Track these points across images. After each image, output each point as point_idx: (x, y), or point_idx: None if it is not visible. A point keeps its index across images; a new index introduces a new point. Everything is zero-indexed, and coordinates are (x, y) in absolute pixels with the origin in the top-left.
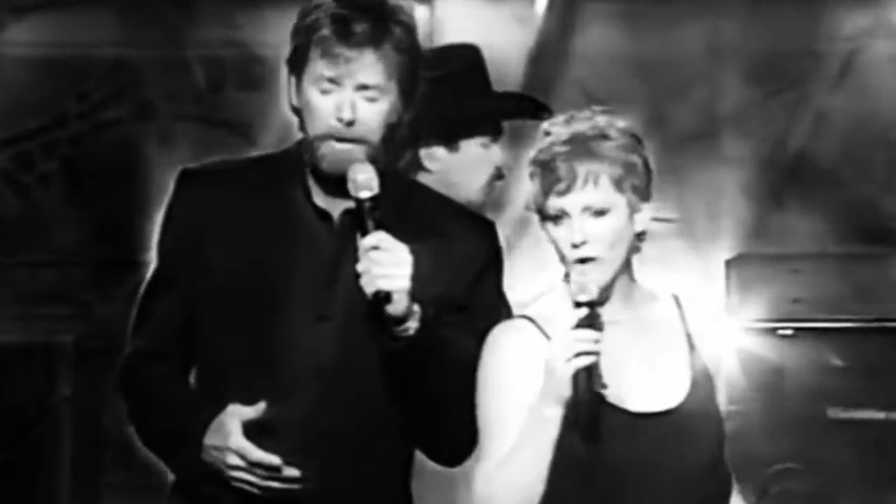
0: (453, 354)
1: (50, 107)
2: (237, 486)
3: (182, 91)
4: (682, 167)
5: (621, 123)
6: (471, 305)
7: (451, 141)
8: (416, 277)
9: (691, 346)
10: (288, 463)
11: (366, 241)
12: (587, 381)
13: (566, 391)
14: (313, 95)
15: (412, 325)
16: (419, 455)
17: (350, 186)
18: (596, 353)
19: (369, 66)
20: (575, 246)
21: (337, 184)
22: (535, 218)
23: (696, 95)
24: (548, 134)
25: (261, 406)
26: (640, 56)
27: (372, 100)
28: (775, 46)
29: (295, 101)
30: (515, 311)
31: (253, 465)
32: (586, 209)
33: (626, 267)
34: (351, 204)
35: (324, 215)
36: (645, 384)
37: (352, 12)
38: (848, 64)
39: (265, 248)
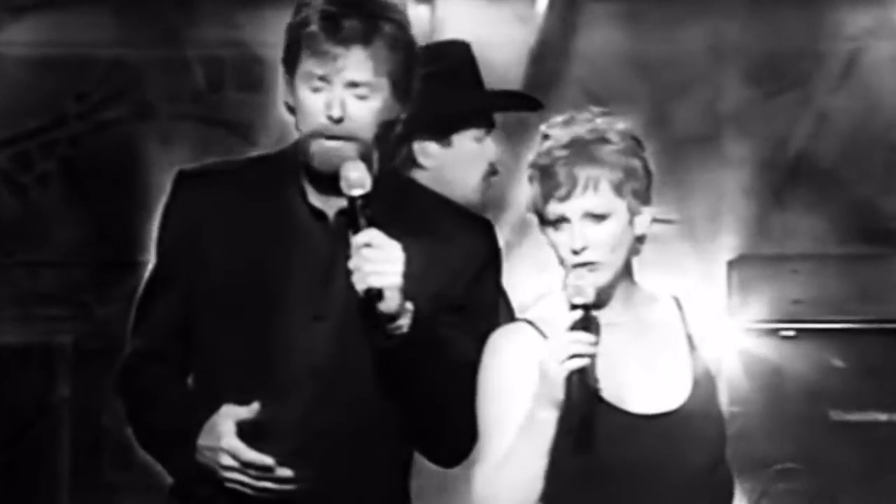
0: (449, 354)
1: (49, 107)
2: (231, 487)
3: (181, 91)
4: (683, 168)
5: (621, 126)
6: (469, 306)
7: (443, 135)
8: (409, 275)
9: (692, 348)
10: (282, 463)
11: (357, 239)
12: (581, 383)
13: (560, 393)
14: (304, 93)
15: (405, 322)
16: (418, 455)
17: (342, 184)
18: (590, 356)
19: (358, 63)
20: (575, 252)
21: (332, 183)
22: (535, 221)
23: (697, 96)
24: (546, 137)
25: (255, 406)
26: (641, 56)
27: (362, 97)
28: (777, 47)
29: (289, 100)
30: (516, 312)
31: (246, 466)
32: (586, 215)
33: (626, 269)
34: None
35: (319, 215)
36: (646, 385)
37: (340, 9)
38: (849, 64)
39: (262, 248)
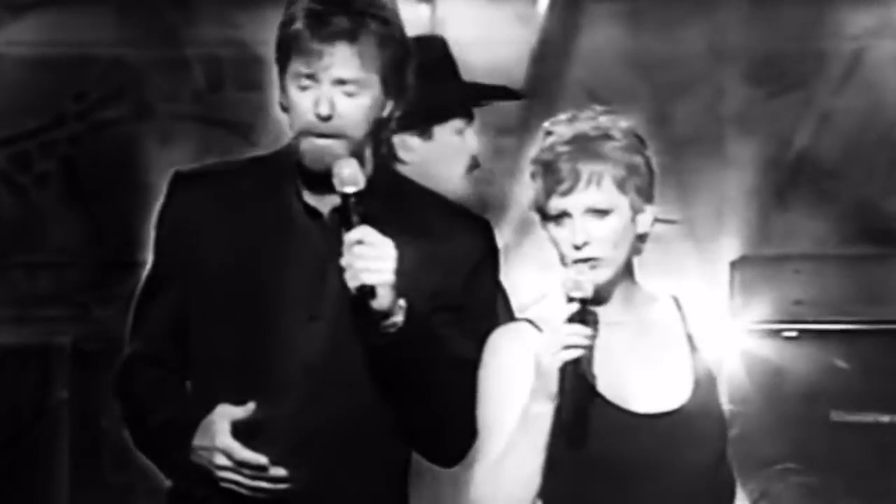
0: (445, 351)
1: (48, 106)
2: (226, 487)
3: (181, 91)
4: (685, 168)
5: (624, 123)
6: (467, 305)
7: (423, 128)
8: (405, 273)
9: (693, 348)
10: (277, 463)
11: (350, 236)
12: (575, 374)
13: (553, 385)
14: (294, 92)
15: (398, 319)
16: (416, 455)
17: (335, 181)
18: (584, 348)
19: (345, 61)
20: (577, 247)
21: (326, 181)
22: (537, 218)
23: (698, 96)
24: (549, 133)
25: (250, 406)
26: (643, 56)
27: (351, 94)
28: (778, 46)
29: (283, 100)
30: (516, 313)
31: (240, 465)
32: (589, 210)
33: (628, 268)
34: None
35: (314, 213)
36: (647, 385)
37: (325, 7)
38: (852, 64)
39: (257, 248)
